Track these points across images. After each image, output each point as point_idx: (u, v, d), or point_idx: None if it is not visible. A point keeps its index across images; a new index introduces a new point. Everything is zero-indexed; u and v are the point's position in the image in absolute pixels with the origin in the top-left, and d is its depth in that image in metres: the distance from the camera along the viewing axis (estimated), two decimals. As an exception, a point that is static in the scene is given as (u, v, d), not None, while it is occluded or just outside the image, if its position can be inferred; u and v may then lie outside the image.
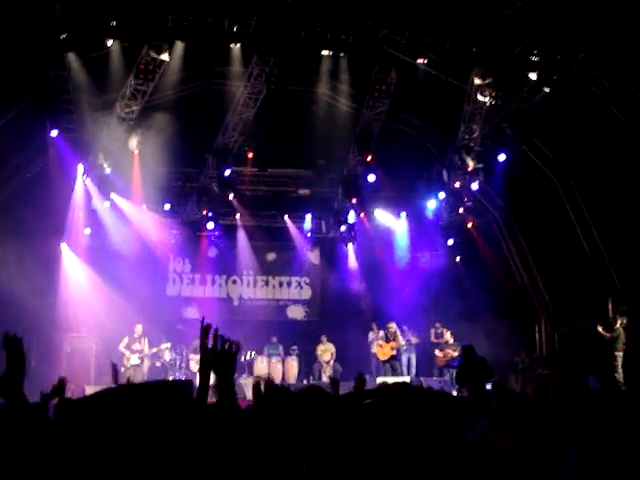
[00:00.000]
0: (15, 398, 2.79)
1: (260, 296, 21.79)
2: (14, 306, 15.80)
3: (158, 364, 17.42)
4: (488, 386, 11.75)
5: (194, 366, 17.07)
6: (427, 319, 19.28)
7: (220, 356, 3.20)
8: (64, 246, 18.30)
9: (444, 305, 19.10)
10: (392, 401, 2.76)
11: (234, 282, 21.67)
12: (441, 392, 4.79)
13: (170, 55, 15.11)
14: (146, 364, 16.89)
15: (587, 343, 16.27)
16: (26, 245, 16.39)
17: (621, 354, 14.77)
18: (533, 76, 15.16)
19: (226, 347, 3.28)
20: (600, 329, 15.21)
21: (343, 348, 18.99)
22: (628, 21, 12.61)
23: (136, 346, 16.67)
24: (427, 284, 19.96)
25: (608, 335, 15.03)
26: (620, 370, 14.62)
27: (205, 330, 4.60)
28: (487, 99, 16.38)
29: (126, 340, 16.66)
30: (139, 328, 16.80)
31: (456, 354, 17.13)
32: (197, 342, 3.31)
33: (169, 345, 17.26)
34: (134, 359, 16.50)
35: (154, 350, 16.99)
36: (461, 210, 19.19)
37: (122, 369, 16.13)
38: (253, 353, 18.13)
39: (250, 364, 18.12)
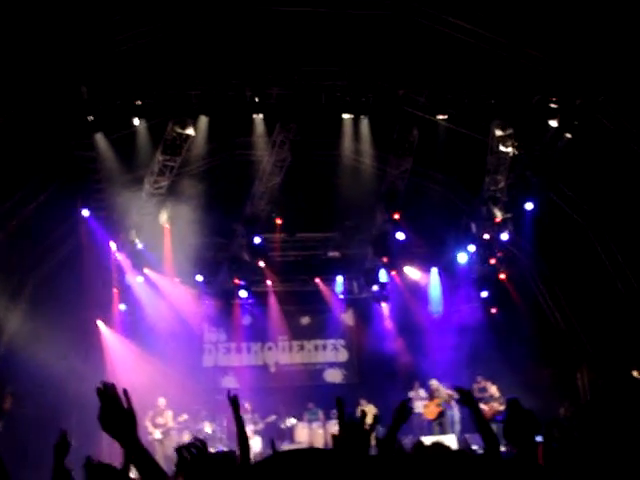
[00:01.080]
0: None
1: (296, 361, 21.69)
2: (53, 386, 15.93)
3: (201, 436, 17.26)
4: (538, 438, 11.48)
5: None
6: (467, 374, 18.97)
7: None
8: (100, 323, 18.45)
9: (483, 358, 18.84)
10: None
11: (269, 349, 21.63)
12: (484, 455, 4.71)
13: (195, 129, 15.49)
14: (173, 438, 16.58)
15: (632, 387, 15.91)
16: (63, 323, 16.58)
17: None
18: (554, 123, 15.24)
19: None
20: (635, 374, 14.87)
21: (383, 409, 18.69)
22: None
23: (159, 420, 16.47)
24: (464, 338, 19.74)
25: None
26: None
27: (234, 403, 4.64)
28: (509, 149, 16.51)
29: (150, 413, 16.47)
30: (162, 401, 16.62)
31: (502, 407, 16.80)
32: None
33: (186, 417, 17.05)
34: (157, 434, 16.30)
35: (180, 420, 16.80)
36: (492, 261, 19.09)
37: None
38: (294, 420, 17.96)
39: (291, 430, 17.93)
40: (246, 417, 17.65)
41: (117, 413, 2.65)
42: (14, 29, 11.71)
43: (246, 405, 17.73)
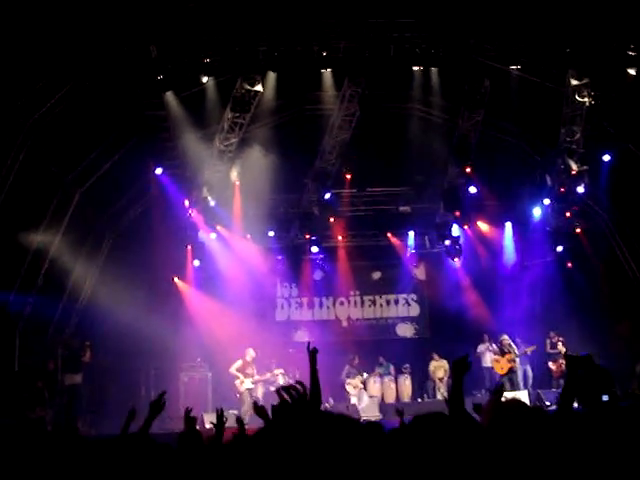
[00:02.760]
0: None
1: (368, 316, 21.75)
2: (133, 338, 16.47)
3: (272, 389, 17.59)
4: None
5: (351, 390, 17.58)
6: (540, 330, 18.72)
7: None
8: (176, 279, 18.87)
9: (557, 314, 18.54)
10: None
11: (341, 304, 21.74)
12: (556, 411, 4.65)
13: (263, 86, 15.48)
14: (260, 390, 16.94)
15: None
16: (140, 279, 17.08)
17: None
18: (632, 71, 14.59)
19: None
20: None
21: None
22: None
23: (249, 370, 16.62)
24: (538, 294, 19.45)
25: None
26: None
27: (312, 355, 4.70)
28: (586, 99, 15.95)
29: (239, 363, 16.55)
30: (251, 352, 16.73)
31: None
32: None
33: (282, 371, 17.34)
34: (248, 383, 16.50)
35: (268, 375, 17.07)
36: (568, 215, 18.60)
37: (237, 395, 16.33)
38: (364, 374, 18.09)
39: (364, 384, 18.08)
40: (352, 371, 18.03)
41: None
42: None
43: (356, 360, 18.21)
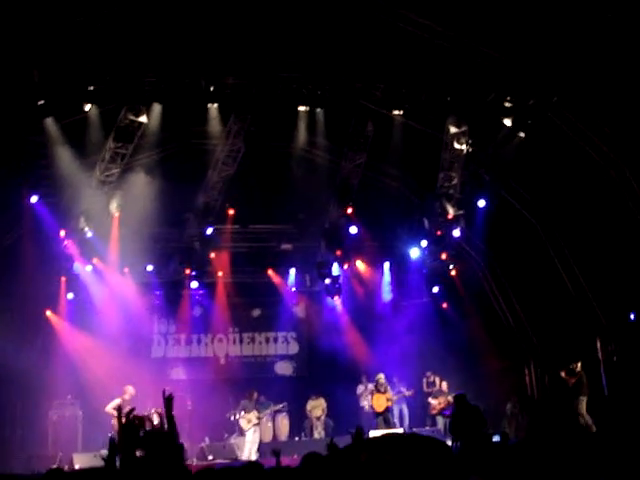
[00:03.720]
0: None
1: (247, 353, 21.58)
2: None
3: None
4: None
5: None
6: (417, 369, 19.16)
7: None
8: (48, 312, 18.09)
9: (433, 353, 19.04)
10: (386, 454, 2.72)
11: (220, 340, 21.46)
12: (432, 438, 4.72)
13: (148, 117, 15.24)
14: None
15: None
16: (10, 312, 16.24)
17: (585, 398, 14.62)
18: (508, 122, 15.38)
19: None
20: (563, 374, 15.14)
21: (333, 403, 18.78)
22: (596, 63, 12.91)
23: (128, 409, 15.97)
24: (414, 333, 19.89)
25: (572, 380, 14.95)
26: (585, 414, 14.42)
27: (168, 402, 4.62)
28: (464, 146, 16.62)
29: (117, 401, 15.83)
30: (130, 390, 15.92)
31: (451, 399, 16.97)
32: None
33: (158, 409, 16.76)
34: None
35: (145, 413, 16.47)
36: (444, 257, 19.22)
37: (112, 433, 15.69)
38: (242, 412, 17.83)
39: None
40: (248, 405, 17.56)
41: None
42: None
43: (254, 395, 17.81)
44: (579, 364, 15.00)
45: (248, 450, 16.68)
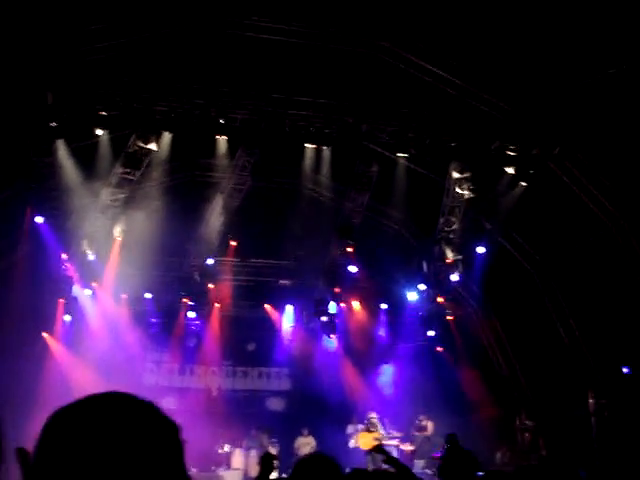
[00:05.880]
0: None
1: (239, 387, 21.54)
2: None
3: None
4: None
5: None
6: (409, 411, 19.10)
7: None
8: (45, 334, 18.12)
9: (425, 396, 19.00)
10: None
11: (213, 372, 21.45)
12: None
13: (157, 145, 15.47)
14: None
15: (569, 435, 16.23)
16: (7, 332, 16.26)
17: None
18: (510, 170, 15.63)
19: None
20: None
21: (323, 441, 18.68)
22: (600, 116, 13.18)
23: None
24: (408, 375, 19.88)
25: None
26: None
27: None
28: (465, 192, 16.82)
29: None
30: None
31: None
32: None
33: None
34: None
35: None
36: (440, 300, 19.31)
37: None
38: (229, 446, 17.77)
39: (228, 457, 17.76)
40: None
41: None
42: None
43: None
44: None
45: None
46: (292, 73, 14.69)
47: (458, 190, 16.90)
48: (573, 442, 15.73)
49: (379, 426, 17.83)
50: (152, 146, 15.40)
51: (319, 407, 19.50)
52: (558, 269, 16.83)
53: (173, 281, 19.78)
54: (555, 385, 17.44)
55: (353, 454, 18.30)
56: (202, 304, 20.29)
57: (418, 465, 17.55)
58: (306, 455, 3.18)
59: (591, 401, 16.57)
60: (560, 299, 16.94)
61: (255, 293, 21.20)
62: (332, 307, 20.18)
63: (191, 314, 19.88)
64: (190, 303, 19.66)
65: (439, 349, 20.18)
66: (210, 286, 19.96)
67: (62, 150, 15.03)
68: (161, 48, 13.98)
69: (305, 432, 18.75)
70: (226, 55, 14.32)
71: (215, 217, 18.32)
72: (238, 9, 13.84)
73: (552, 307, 17.14)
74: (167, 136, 15.52)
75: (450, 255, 18.02)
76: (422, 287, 19.52)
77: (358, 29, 14.35)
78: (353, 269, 19.00)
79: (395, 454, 17.98)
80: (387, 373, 20.33)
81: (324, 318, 20.35)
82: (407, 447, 17.97)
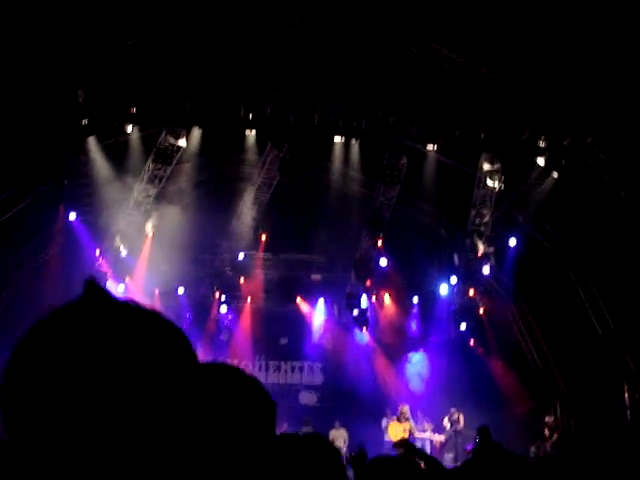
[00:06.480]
0: None
1: (272, 381, 21.61)
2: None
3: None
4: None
5: None
6: (441, 404, 19.00)
7: None
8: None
9: (458, 390, 18.88)
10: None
11: (246, 366, 21.53)
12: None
13: (187, 141, 15.58)
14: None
15: (603, 429, 16.03)
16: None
17: None
18: (541, 161, 15.46)
19: None
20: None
21: (356, 434, 18.67)
22: (633, 105, 12.97)
23: None
24: (441, 368, 19.80)
25: None
26: None
27: None
28: (496, 184, 16.68)
29: None
30: None
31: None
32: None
33: None
34: None
35: None
36: (472, 293, 19.17)
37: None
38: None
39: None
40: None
41: None
42: (20, 28, 11.81)
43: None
44: None
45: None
46: (320, 66, 14.67)
47: (489, 182, 16.76)
48: (608, 435, 15.51)
49: (410, 418, 17.75)
50: (182, 142, 15.52)
51: (351, 400, 19.54)
52: (591, 260, 16.59)
53: (205, 276, 19.94)
54: (590, 378, 17.22)
55: (387, 447, 18.29)
56: (234, 298, 20.43)
57: (448, 458, 17.50)
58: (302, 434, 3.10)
59: (627, 394, 16.35)
60: (594, 290, 16.70)
61: (287, 287, 21.26)
62: (364, 301, 20.17)
63: (223, 308, 19.99)
64: (222, 298, 19.75)
65: (471, 342, 20.07)
66: (242, 281, 20.06)
67: (94, 147, 15.23)
68: (190, 45, 14.05)
69: (337, 425, 18.77)
70: (254, 50, 14.34)
71: (246, 212, 18.41)
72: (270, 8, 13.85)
73: (585, 299, 16.90)
74: (197, 132, 15.64)
75: (481, 248, 17.89)
76: (454, 280, 19.41)
77: (386, 21, 14.27)
78: (384, 262, 18.97)
79: (427, 447, 18.02)
80: (419, 365, 20.22)
81: (355, 312, 20.36)
82: (439, 438, 17.92)
